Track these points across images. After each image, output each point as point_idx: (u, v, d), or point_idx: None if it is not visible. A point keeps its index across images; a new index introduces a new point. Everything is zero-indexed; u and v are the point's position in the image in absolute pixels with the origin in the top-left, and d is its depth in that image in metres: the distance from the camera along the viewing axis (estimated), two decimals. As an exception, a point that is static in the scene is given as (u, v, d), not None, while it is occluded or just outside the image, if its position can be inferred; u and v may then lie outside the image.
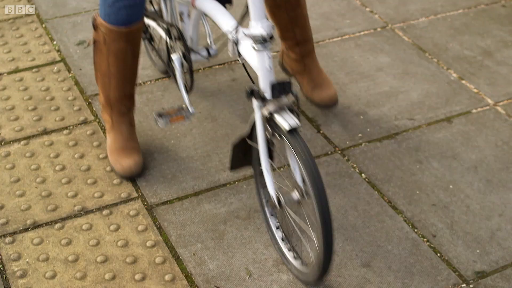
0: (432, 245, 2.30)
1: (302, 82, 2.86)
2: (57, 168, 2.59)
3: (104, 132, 2.75)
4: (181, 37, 2.54)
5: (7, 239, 2.31)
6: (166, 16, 2.68)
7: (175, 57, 2.56)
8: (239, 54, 2.13)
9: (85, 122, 2.81)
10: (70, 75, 3.09)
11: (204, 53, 2.64)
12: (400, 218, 2.39)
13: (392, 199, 2.47)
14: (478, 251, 2.28)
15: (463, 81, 3.05)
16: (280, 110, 1.96)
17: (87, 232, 2.34)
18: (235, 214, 2.40)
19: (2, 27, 3.44)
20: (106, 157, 2.63)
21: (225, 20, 2.26)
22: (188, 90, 2.59)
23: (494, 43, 3.33)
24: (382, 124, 2.81)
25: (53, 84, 3.02)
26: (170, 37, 2.62)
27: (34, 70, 3.12)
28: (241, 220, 2.38)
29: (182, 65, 2.57)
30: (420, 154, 2.66)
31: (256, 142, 2.10)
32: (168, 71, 2.90)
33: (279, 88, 1.96)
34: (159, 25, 2.72)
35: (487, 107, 2.90)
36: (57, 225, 2.36)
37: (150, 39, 2.94)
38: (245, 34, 1.98)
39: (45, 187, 2.51)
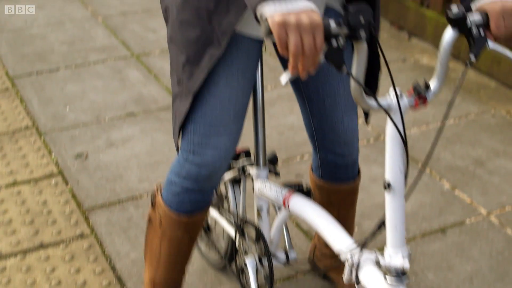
0: None
1: (338, 281, 2.46)
2: (53, 283, 2.58)
3: (101, 246, 2.76)
4: (261, 239, 2.15)
5: None
6: (233, 207, 2.34)
7: (250, 261, 2.19)
8: (358, 281, 1.69)
9: (81, 236, 2.82)
10: (68, 188, 3.12)
11: (283, 257, 2.24)
12: (397, 332, 2.38)
13: (389, 312, 2.46)
14: None
15: (456, 191, 3.09)
16: None
17: None
18: (231, 330, 2.39)
19: (2, 140, 3.50)
20: (102, 271, 2.63)
21: (337, 236, 1.84)
22: None
23: (486, 153, 3.39)
24: (377, 235, 2.81)
25: (50, 197, 3.05)
26: (243, 236, 2.25)
27: (32, 183, 3.16)
28: (237, 336, 2.37)
29: (257, 271, 2.20)
30: (415, 265, 2.67)
31: None
32: (228, 269, 2.59)
33: None
34: (222, 215, 2.41)
35: (481, 218, 2.92)
36: None
37: (207, 228, 2.59)
38: (380, 264, 1.61)
39: (40, 303, 2.50)
